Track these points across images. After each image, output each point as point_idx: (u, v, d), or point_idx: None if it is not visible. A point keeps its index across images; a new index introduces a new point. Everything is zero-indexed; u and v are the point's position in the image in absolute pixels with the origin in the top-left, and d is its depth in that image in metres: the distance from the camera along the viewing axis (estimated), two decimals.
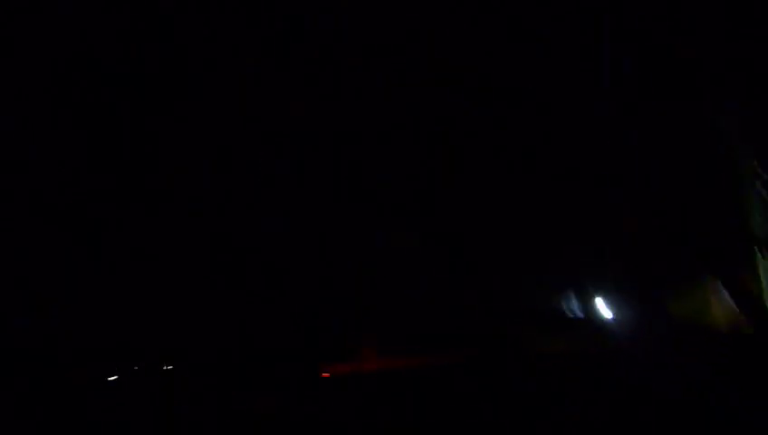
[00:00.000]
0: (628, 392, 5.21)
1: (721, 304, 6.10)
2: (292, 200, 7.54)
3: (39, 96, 7.16)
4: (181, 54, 7.28)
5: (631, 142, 6.64)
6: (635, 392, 5.18)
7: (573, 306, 7.14)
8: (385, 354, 7.01)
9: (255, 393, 6.68)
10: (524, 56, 6.94)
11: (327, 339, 7.30)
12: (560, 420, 5.09)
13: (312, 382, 6.82)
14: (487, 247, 7.35)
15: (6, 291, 7.12)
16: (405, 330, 7.18)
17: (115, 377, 7.13)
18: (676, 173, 6.40)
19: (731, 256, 6.03)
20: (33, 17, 6.90)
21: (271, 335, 7.44)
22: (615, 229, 6.77)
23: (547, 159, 7.16)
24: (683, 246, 6.38)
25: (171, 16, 7.10)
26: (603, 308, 6.92)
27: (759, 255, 5.77)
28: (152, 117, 7.45)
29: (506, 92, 7.15)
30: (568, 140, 7.05)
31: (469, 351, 6.83)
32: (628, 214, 6.67)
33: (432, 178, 7.51)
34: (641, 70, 6.54)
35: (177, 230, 7.52)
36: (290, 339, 7.37)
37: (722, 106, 6.12)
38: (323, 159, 7.56)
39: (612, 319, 6.83)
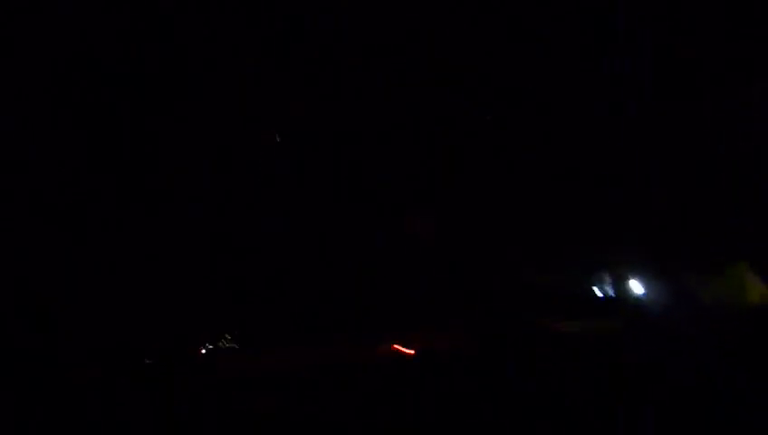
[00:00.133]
0: (653, 373, 5.21)
1: (756, 286, 6.16)
2: (292, 200, 7.54)
3: (39, 96, 7.16)
4: (181, 54, 7.28)
5: (643, 132, 6.63)
6: (661, 373, 5.17)
7: (606, 287, 7.12)
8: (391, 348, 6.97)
9: (255, 393, 6.68)
10: (524, 56, 6.94)
11: (327, 339, 7.29)
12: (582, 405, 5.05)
13: (313, 383, 6.82)
14: (501, 241, 7.31)
15: (6, 291, 7.12)
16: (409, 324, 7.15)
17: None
18: (701, 160, 6.43)
19: (762, 237, 6.07)
20: (33, 17, 6.91)
21: (270, 335, 7.44)
22: (646, 213, 6.75)
23: (547, 160, 7.16)
24: (715, 228, 6.39)
25: (171, 16, 7.11)
26: (637, 288, 6.90)
27: None
28: (152, 117, 7.45)
29: (506, 92, 7.16)
30: (568, 139, 7.05)
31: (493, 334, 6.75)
32: (658, 199, 6.66)
33: (432, 177, 7.51)
34: (641, 70, 6.55)
35: (177, 230, 7.52)
36: (290, 339, 7.37)
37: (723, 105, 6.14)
38: (323, 159, 7.56)
39: (646, 299, 6.81)
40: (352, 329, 7.32)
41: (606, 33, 6.63)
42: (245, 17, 7.10)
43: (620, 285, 7.04)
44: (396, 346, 6.69)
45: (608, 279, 7.13)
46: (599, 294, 7.15)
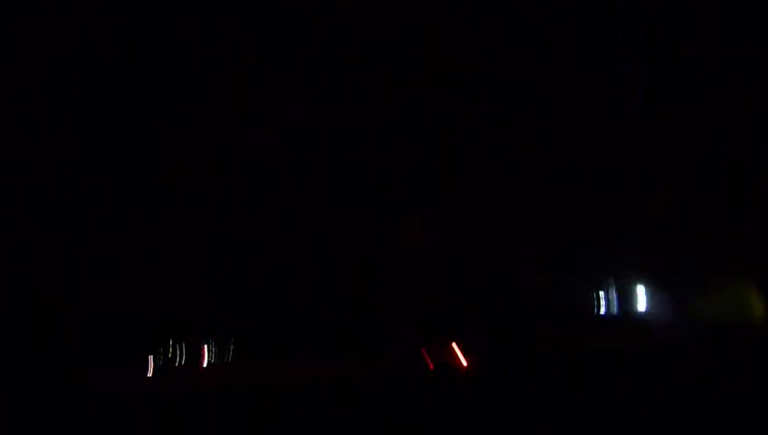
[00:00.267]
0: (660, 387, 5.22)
1: (757, 302, 6.16)
2: (293, 200, 7.53)
3: (39, 96, 7.16)
4: (181, 54, 7.28)
5: (640, 142, 6.65)
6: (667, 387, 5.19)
7: (610, 302, 7.12)
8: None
9: (255, 393, 6.68)
10: (524, 56, 6.94)
11: (327, 339, 7.29)
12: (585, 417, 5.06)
13: (316, 383, 6.82)
14: (504, 246, 7.31)
15: (6, 291, 7.11)
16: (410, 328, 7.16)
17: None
18: (701, 160, 6.43)
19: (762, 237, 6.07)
20: (33, 17, 6.90)
21: (271, 335, 7.43)
22: (652, 228, 6.76)
23: (547, 160, 7.15)
24: (715, 228, 6.39)
25: (171, 16, 7.10)
26: (642, 304, 6.91)
27: None
28: (152, 117, 7.44)
29: (506, 92, 7.15)
30: (568, 139, 7.04)
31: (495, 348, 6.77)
32: (658, 199, 6.66)
33: (432, 177, 7.50)
34: (641, 70, 6.55)
35: (177, 230, 7.52)
36: (290, 339, 7.36)
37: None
38: (323, 159, 7.55)
39: (649, 314, 6.82)
40: (352, 330, 7.32)
41: (606, 33, 6.63)
42: (245, 17, 7.09)
43: (623, 296, 7.04)
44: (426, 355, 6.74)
45: (611, 290, 7.13)
46: (602, 304, 7.15)
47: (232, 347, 7.53)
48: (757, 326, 6.06)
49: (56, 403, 6.56)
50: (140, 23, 7.06)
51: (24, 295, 7.22)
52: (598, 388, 5.55)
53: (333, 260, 7.56)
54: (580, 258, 7.14)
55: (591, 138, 6.92)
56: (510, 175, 7.28)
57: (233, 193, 7.58)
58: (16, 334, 7.07)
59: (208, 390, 6.95)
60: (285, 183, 7.55)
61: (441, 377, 6.61)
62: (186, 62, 7.28)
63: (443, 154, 7.42)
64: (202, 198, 7.55)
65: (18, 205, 7.17)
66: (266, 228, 7.56)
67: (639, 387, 5.42)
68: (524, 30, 6.86)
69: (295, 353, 7.25)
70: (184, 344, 7.51)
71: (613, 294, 7.07)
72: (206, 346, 7.50)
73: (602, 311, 7.09)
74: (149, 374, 7.34)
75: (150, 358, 7.33)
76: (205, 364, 7.49)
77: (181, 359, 7.50)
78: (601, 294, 7.12)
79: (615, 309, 7.04)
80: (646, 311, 6.84)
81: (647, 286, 6.89)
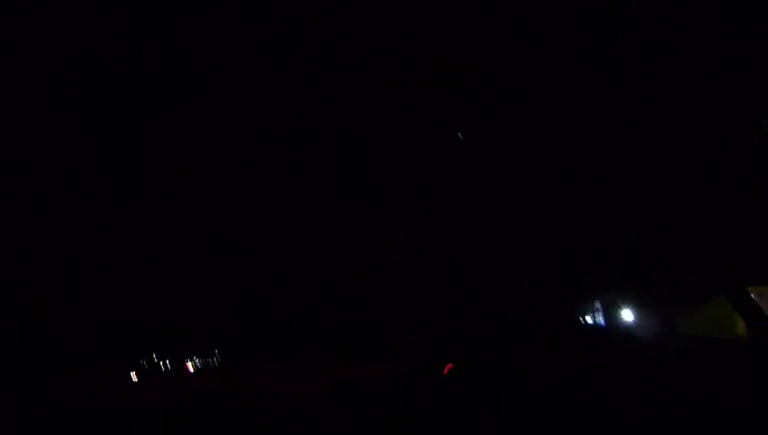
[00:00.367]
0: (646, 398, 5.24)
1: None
2: (293, 200, 7.53)
3: (39, 96, 7.16)
4: (181, 54, 7.27)
5: (634, 144, 6.66)
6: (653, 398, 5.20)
7: (597, 318, 7.20)
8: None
9: (255, 393, 6.68)
10: (524, 56, 6.93)
11: (328, 338, 7.29)
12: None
13: (315, 383, 6.82)
14: (494, 255, 7.34)
15: (6, 291, 7.11)
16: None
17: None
18: (701, 160, 6.45)
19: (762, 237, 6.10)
20: (33, 17, 6.90)
21: (270, 336, 7.43)
22: (638, 244, 6.83)
23: (547, 160, 7.15)
24: (715, 229, 6.42)
25: (171, 16, 7.10)
26: (628, 319, 7.00)
27: None
28: (152, 117, 7.44)
29: (506, 92, 7.14)
30: (568, 139, 7.04)
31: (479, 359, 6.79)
32: (658, 199, 6.69)
33: (432, 177, 7.50)
34: (641, 70, 6.54)
35: (177, 230, 7.52)
36: (290, 339, 7.36)
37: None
38: (323, 159, 7.55)
39: (636, 330, 6.90)
40: (352, 330, 7.32)
41: (606, 33, 6.62)
42: (245, 17, 7.09)
43: (610, 313, 7.11)
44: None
45: (598, 308, 7.20)
46: (589, 321, 7.23)
47: (232, 347, 7.53)
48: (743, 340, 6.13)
49: (46, 406, 6.55)
50: (140, 23, 7.05)
51: (24, 295, 7.22)
52: (598, 388, 5.55)
53: (333, 260, 7.56)
54: (579, 258, 7.15)
55: (591, 138, 6.92)
56: (510, 175, 7.28)
57: (233, 193, 7.58)
58: (16, 334, 7.07)
59: (208, 390, 6.94)
60: (285, 183, 7.55)
61: (441, 377, 6.60)
62: (186, 62, 7.28)
63: (443, 154, 7.42)
64: (202, 198, 7.55)
65: (18, 205, 7.18)
66: (266, 228, 7.56)
67: (639, 387, 5.42)
68: (524, 30, 6.85)
69: (295, 354, 7.25)
70: (183, 345, 7.51)
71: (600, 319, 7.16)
72: (204, 347, 7.51)
73: (599, 315, 7.15)
74: (145, 375, 7.34)
75: (146, 358, 7.33)
76: (203, 365, 7.49)
77: (180, 359, 7.50)
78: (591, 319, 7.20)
79: (606, 318, 7.12)
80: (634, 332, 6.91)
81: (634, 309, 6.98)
